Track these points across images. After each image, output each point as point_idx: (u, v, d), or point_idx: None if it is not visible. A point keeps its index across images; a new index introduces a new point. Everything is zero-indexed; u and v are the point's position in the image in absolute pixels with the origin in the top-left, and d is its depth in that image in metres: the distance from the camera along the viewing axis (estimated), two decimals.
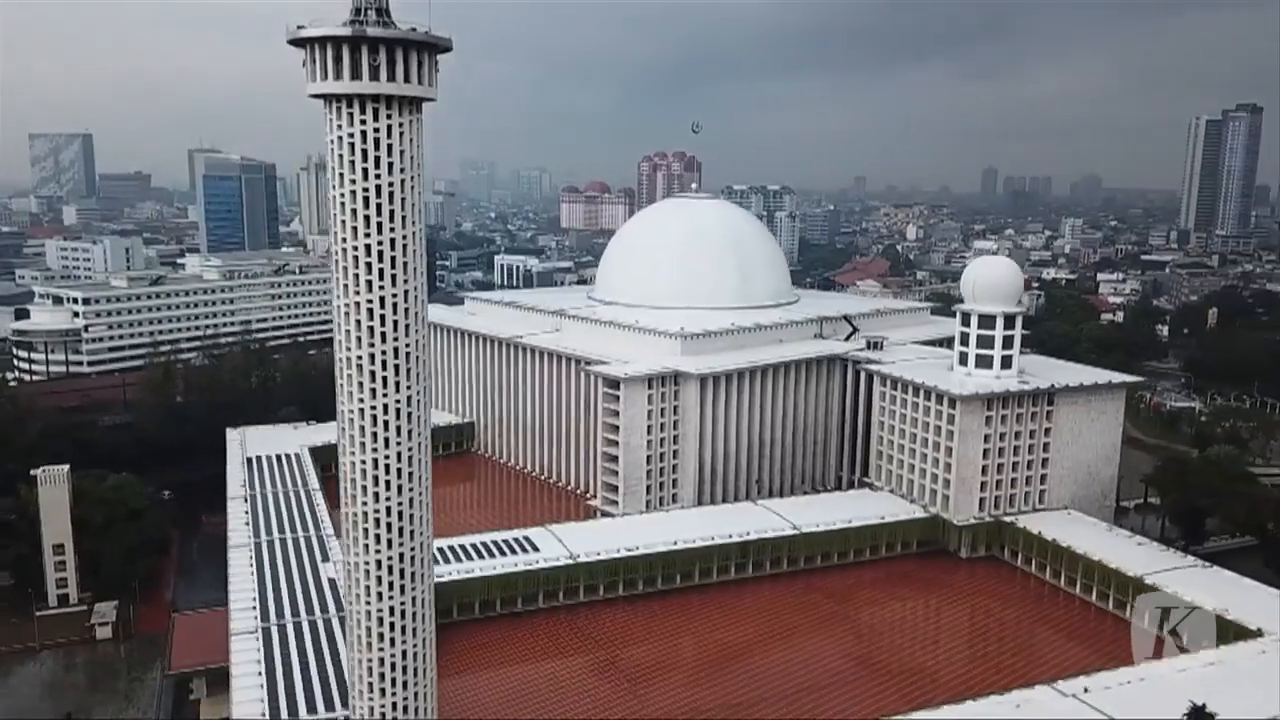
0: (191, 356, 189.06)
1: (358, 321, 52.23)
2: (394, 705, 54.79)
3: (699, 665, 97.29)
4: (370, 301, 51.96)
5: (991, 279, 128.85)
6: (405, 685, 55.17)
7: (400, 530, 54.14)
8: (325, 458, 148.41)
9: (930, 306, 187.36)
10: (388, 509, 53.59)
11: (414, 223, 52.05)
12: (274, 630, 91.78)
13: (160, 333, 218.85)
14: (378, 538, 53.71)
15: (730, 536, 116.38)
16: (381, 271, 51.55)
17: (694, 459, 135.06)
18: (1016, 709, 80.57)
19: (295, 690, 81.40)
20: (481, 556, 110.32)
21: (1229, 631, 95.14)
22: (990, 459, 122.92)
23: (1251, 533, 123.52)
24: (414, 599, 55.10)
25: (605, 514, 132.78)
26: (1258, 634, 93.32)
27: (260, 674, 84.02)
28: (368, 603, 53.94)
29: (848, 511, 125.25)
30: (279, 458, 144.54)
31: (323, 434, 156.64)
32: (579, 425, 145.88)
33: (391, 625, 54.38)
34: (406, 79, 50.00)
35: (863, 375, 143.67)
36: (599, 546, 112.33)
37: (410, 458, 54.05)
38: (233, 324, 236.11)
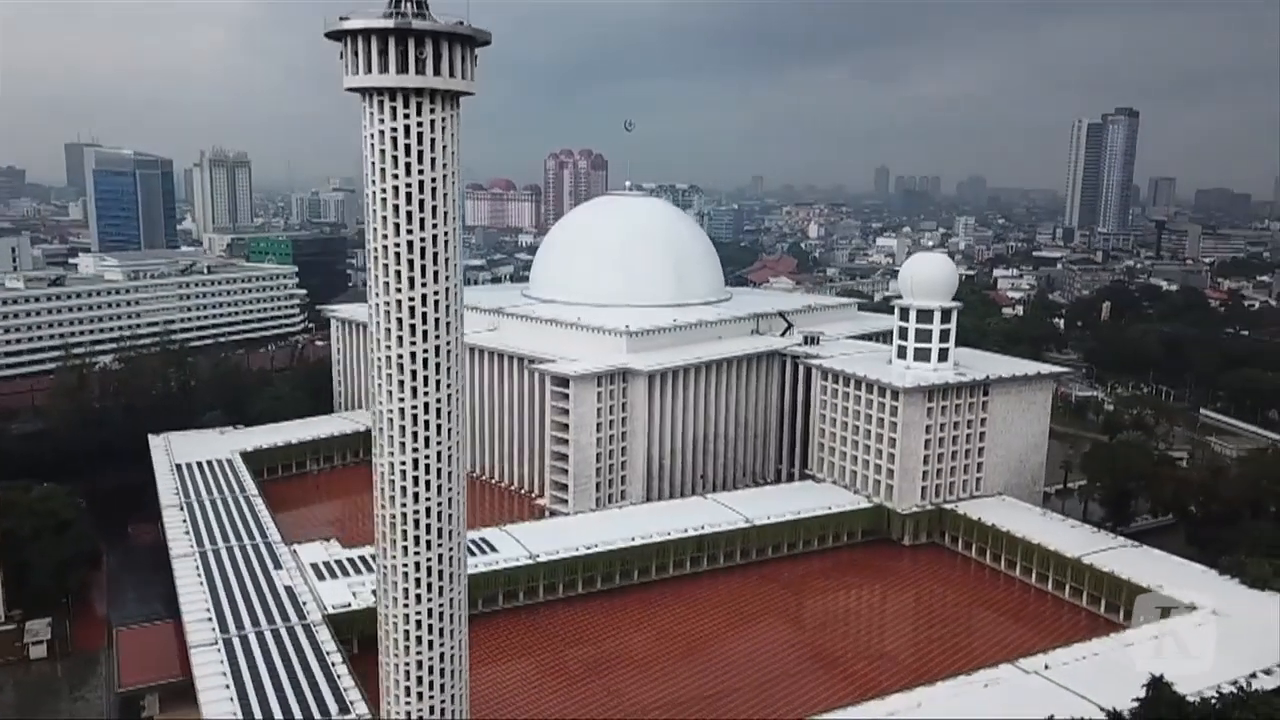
0: (99, 360, 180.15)
1: (399, 319, 51.11)
2: (430, 709, 53.86)
3: (668, 658, 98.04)
4: (413, 299, 50.88)
5: (929, 275, 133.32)
6: (443, 688, 54.26)
7: (440, 531, 53.19)
8: (259, 463, 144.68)
9: (857, 302, 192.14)
10: (427, 509, 52.62)
11: (454, 218, 51.21)
12: (235, 641, 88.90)
13: (62, 336, 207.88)
14: (417, 539, 52.67)
15: (686, 531, 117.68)
16: (424, 268, 50.55)
17: (642, 455, 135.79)
18: (985, 688, 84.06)
19: (269, 700, 79.12)
20: None
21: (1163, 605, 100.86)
22: (931, 449, 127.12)
23: (1175, 512, 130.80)
24: (451, 600, 54.25)
25: (555, 513, 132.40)
26: (1191, 608, 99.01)
27: (228, 686, 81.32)
28: (405, 605, 52.85)
29: (795, 503, 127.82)
30: (210, 464, 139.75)
31: (252, 438, 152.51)
32: (523, 424, 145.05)
33: (430, 627, 53.43)
34: (451, 73, 49.28)
35: (801, 369, 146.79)
36: (557, 545, 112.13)
37: (450, 456, 53.26)
38: (139, 326, 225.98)
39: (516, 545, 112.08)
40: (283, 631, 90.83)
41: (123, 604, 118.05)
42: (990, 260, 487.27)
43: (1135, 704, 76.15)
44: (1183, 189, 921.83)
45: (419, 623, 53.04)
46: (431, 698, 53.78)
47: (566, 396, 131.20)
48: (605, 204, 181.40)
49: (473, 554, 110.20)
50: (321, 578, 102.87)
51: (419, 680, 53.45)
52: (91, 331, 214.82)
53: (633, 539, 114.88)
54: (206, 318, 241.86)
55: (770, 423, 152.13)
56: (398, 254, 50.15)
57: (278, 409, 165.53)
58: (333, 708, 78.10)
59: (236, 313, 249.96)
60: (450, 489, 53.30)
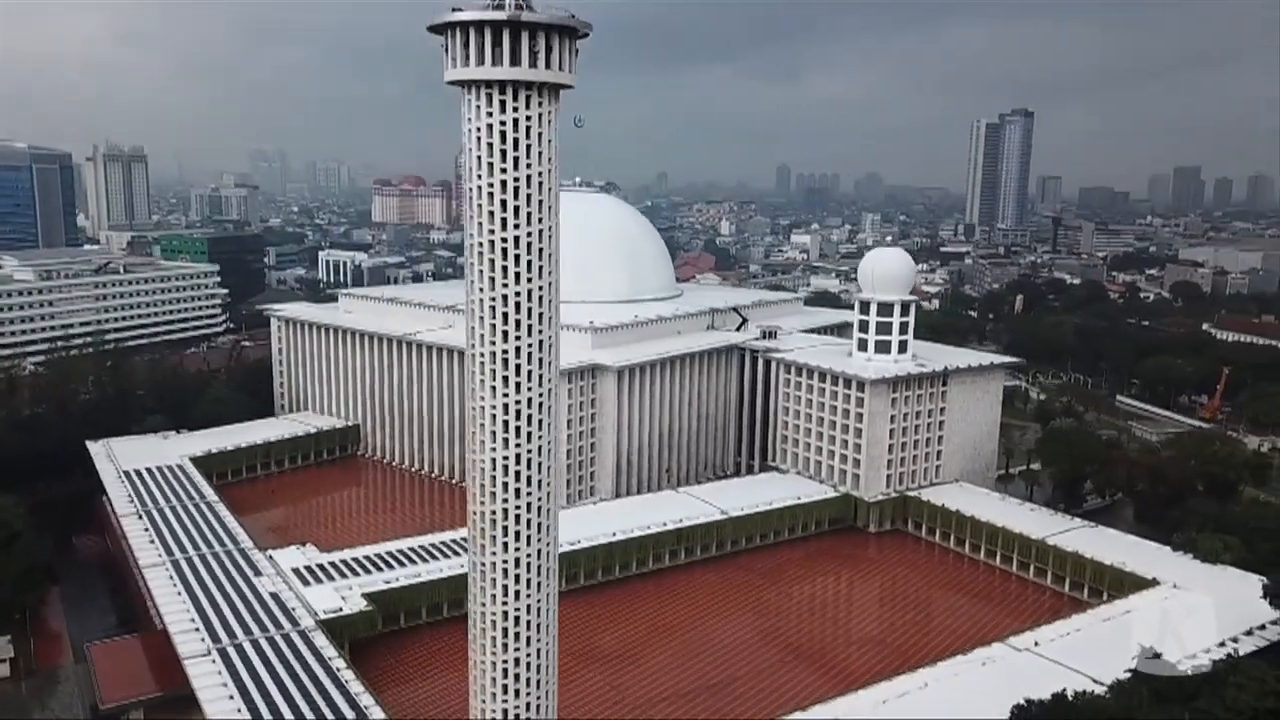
0: (25, 365, 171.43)
1: (504, 315, 50.45)
2: (527, 705, 53.36)
3: (663, 651, 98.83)
4: (518, 294, 50.28)
5: (888, 269, 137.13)
6: (539, 684, 53.86)
7: (539, 526, 52.75)
8: (209, 467, 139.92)
9: (803, 298, 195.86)
10: (528, 505, 52.10)
11: (555, 212, 50.87)
12: (230, 651, 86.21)
13: None
14: (517, 535, 52.09)
15: (665, 525, 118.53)
16: (530, 264, 50.07)
17: (612, 451, 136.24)
18: (983, 665, 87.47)
19: (280, 709, 77.12)
20: (414, 562, 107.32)
21: (1128, 582, 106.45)
22: (895, 438, 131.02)
23: (1125, 494, 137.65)
24: (547, 595, 53.95)
25: None
26: (1154, 583, 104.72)
27: (233, 696, 78.93)
28: (504, 603, 52.21)
29: (765, 495, 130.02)
30: (160, 470, 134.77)
31: (199, 442, 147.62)
32: None
33: (528, 624, 52.91)
34: (558, 66, 49.18)
35: (760, 363, 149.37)
36: None
37: (550, 451, 53.08)
38: (54, 329, 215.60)
39: None
40: (278, 639, 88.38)
41: (81, 618, 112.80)
42: None
43: (1128, 674, 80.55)
44: (1068, 187, 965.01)
45: (517, 619, 52.67)
46: (529, 695, 53.47)
47: None
48: None
49: (458, 554, 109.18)
50: (306, 583, 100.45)
51: (516, 677, 53.02)
52: (2, 335, 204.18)
53: (613, 534, 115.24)
54: (125, 319, 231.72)
55: (729, 416, 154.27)
56: (504, 249, 49.65)
57: (220, 412, 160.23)
58: (348, 713, 76.60)
59: (157, 314, 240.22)
60: (549, 484, 53.07)
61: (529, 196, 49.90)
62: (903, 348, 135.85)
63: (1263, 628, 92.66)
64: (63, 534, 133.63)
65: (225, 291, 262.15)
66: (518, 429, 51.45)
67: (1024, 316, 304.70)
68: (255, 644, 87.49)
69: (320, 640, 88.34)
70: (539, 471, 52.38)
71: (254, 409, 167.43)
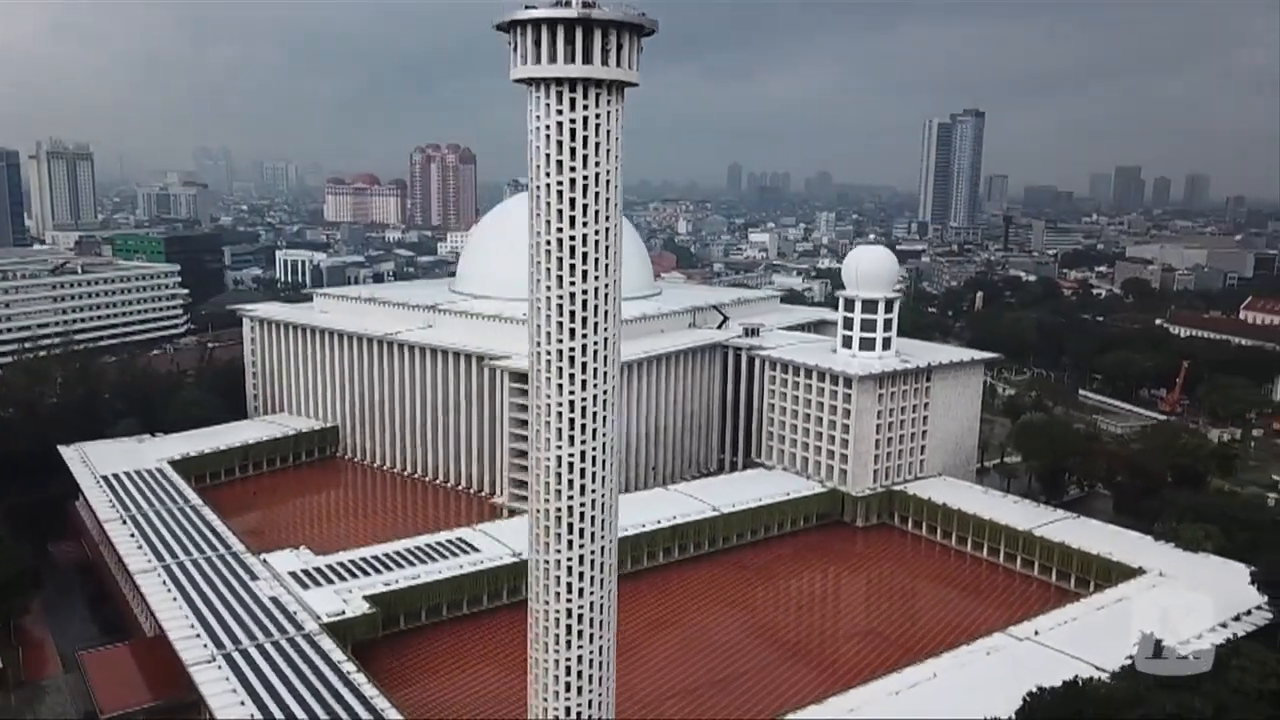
0: None
1: (572, 313, 50.26)
2: (589, 702, 53.35)
3: (666, 648, 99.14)
4: (585, 292, 50.14)
5: (872, 267, 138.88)
6: (601, 681, 53.84)
7: (603, 523, 52.71)
8: (190, 471, 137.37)
9: (779, 295, 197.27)
10: (593, 501, 52.05)
11: (620, 210, 50.92)
12: (236, 656, 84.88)
13: None
14: (582, 531, 51.95)
15: (659, 522, 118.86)
16: (597, 261, 49.92)
17: None
18: (988, 655, 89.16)
19: (294, 713, 76.17)
20: (412, 564, 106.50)
21: (1115, 571, 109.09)
22: (882, 433, 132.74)
23: (1105, 485, 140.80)
24: (610, 592, 53.93)
25: (515, 511, 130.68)
26: (1140, 572, 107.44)
27: (244, 702, 77.75)
28: (568, 600, 52.07)
29: (754, 491, 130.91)
30: (139, 474, 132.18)
31: (177, 445, 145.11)
32: (470, 423, 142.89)
33: (591, 621, 52.82)
34: (626, 64, 49.09)
35: (744, 360, 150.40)
36: None
37: (612, 448, 53.20)
38: (10, 330, 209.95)
39: (497, 544, 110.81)
40: (284, 643, 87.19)
41: (64, 626, 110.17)
42: None
43: (1128, 661, 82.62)
44: (1013, 186, 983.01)
45: (581, 616, 52.62)
46: (591, 691, 53.46)
47: (525, 392, 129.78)
48: None
49: (455, 554, 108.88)
50: (305, 586, 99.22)
51: (579, 674, 53.00)
52: None
53: None
54: (84, 321, 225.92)
55: (714, 413, 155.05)
56: (573, 247, 49.51)
57: (194, 415, 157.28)
58: (365, 715, 75.92)
59: (117, 315, 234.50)
60: (612, 480, 53.13)
61: (597, 194, 49.88)
62: (886, 344, 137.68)
63: (1249, 613, 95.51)
64: (37, 541, 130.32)
65: (186, 292, 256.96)
66: (584, 426, 51.51)
67: (984, 313, 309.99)
68: (261, 649, 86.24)
69: (327, 643, 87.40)
70: (603, 468, 52.48)
71: (226, 410, 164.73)
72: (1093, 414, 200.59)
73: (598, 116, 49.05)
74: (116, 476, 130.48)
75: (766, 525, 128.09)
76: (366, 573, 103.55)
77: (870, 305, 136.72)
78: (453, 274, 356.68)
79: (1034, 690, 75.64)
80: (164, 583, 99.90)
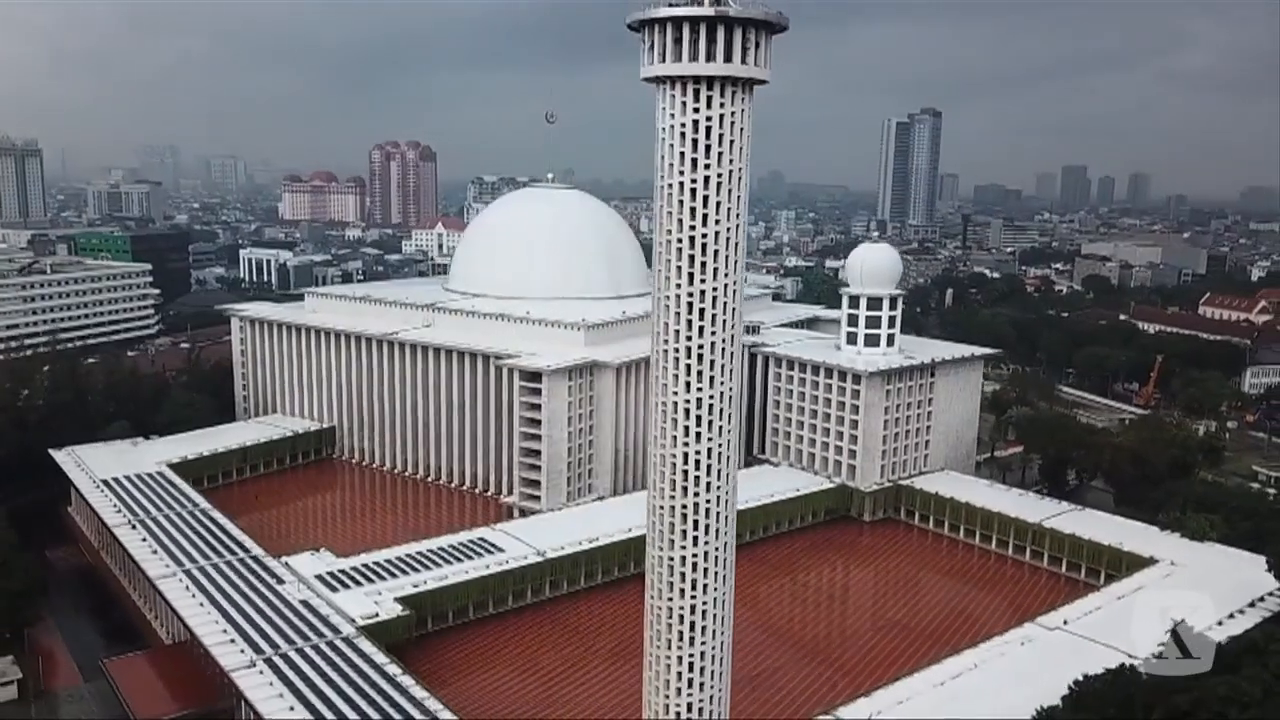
0: None
1: (701, 310, 50.23)
2: (710, 699, 53.45)
3: None
4: (714, 290, 50.09)
5: (877, 265, 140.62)
6: (720, 676, 54.02)
7: (725, 520, 53.00)
8: (189, 474, 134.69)
9: (770, 293, 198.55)
10: (715, 499, 52.22)
11: (746, 207, 51.13)
12: (278, 661, 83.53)
13: None
14: (706, 528, 52.19)
15: None
16: (727, 259, 49.91)
17: (610, 448, 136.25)
18: (1022, 645, 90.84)
19: (345, 716, 75.31)
20: (437, 565, 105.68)
21: (1127, 561, 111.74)
22: (889, 429, 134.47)
23: (1106, 477, 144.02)
24: (730, 589, 54.17)
25: (527, 510, 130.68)
26: (1152, 561, 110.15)
27: (293, 708, 76.70)
28: (692, 596, 52.13)
29: (764, 488, 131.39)
30: (139, 478, 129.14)
31: (173, 448, 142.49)
32: (476, 423, 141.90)
33: (713, 617, 52.93)
34: (759, 61, 49.38)
35: (745, 357, 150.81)
36: (561, 541, 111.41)
37: (734, 445, 53.46)
38: None
39: (520, 544, 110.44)
40: (323, 647, 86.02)
41: (79, 635, 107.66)
42: (818, 252, 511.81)
43: (1160, 647, 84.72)
44: (963, 185, 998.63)
45: (704, 613, 52.75)
46: (711, 688, 53.62)
47: (537, 391, 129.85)
48: (530, 196, 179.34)
49: (479, 554, 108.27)
50: (333, 589, 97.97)
51: (701, 670, 53.17)
52: None
53: (629, 530, 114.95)
54: (55, 321, 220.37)
55: None
56: (703, 244, 49.56)
57: (186, 416, 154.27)
58: (418, 716, 75.37)
59: (88, 316, 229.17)
60: (733, 479, 53.60)
61: (730, 192, 50.06)
62: (890, 341, 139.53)
63: (1262, 599, 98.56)
64: (36, 548, 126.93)
65: (158, 292, 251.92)
66: (710, 423, 51.77)
67: (954, 309, 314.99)
68: (301, 653, 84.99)
69: (367, 646, 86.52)
70: (726, 465, 52.85)
71: (216, 412, 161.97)
72: (1073, 408, 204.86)
73: (733, 114, 49.23)
74: (117, 480, 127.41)
75: (778, 521, 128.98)
76: (393, 574, 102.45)
77: (875, 302, 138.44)
78: (423, 273, 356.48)
79: (1080, 678, 77.21)
80: (187, 588, 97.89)
